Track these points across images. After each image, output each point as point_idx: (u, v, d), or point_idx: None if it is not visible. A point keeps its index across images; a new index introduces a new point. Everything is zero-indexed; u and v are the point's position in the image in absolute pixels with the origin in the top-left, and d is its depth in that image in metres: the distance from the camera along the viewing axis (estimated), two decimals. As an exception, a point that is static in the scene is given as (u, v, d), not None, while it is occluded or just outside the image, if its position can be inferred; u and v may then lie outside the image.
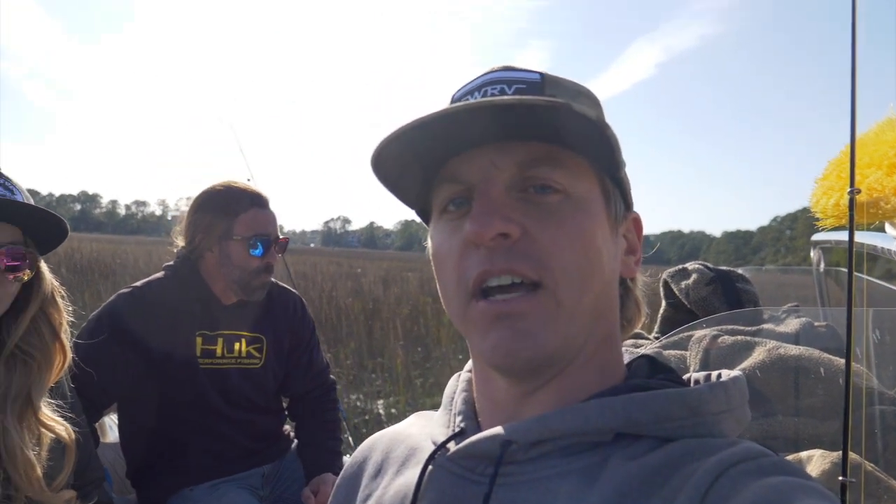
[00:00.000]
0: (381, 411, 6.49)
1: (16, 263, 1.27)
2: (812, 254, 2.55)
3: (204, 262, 2.01)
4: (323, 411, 2.27)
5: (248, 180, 2.17)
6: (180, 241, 2.05)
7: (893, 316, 1.49)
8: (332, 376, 2.38)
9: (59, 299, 1.39)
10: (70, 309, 1.41)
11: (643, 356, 0.72)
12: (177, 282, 2.01)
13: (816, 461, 1.15)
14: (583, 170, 0.64)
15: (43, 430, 1.31)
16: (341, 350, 8.28)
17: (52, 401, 1.37)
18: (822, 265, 2.52)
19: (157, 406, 1.98)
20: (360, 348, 8.69)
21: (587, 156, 0.64)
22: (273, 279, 2.15)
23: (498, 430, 0.63)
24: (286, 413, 2.31)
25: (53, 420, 1.34)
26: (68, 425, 1.36)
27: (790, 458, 1.19)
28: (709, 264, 1.92)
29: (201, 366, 1.99)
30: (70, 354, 1.39)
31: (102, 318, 1.90)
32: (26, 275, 1.30)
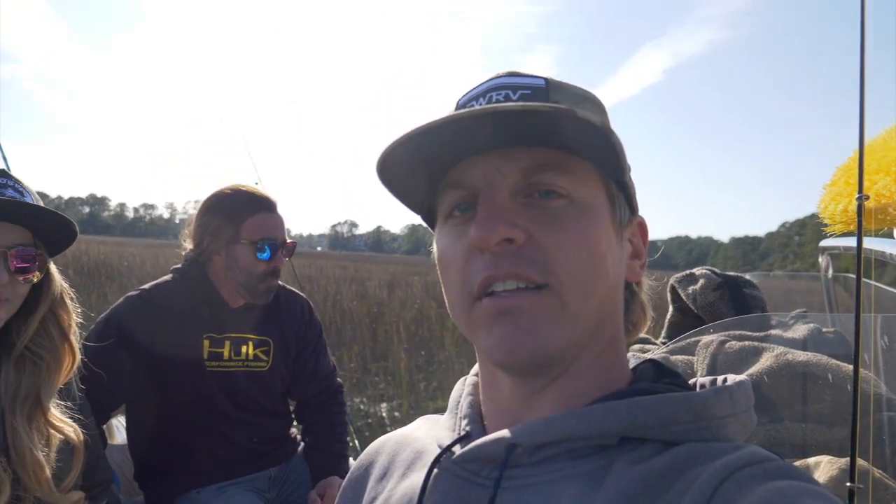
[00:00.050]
0: (384, 414, 6.49)
1: (26, 265, 1.28)
2: (820, 260, 2.54)
3: (212, 266, 2.02)
4: (329, 414, 2.28)
5: (256, 183, 2.17)
6: (188, 244, 2.06)
7: (902, 322, 1.48)
8: (338, 379, 2.38)
9: (68, 301, 1.40)
10: (79, 310, 1.42)
11: (648, 360, 0.72)
12: (185, 285, 2.02)
13: (824, 467, 1.14)
14: (588, 175, 0.64)
15: (52, 431, 1.32)
16: (345, 353, 8.29)
17: (62, 402, 1.38)
18: (831, 271, 2.51)
19: (164, 408, 1.99)
20: (364, 352, 8.70)
21: (592, 161, 0.64)
22: (280, 282, 2.16)
23: (503, 433, 0.63)
24: (293, 416, 2.32)
25: (62, 421, 1.35)
26: (77, 426, 1.37)
27: (797, 463, 1.19)
28: (716, 270, 1.91)
29: (208, 368, 2.00)
30: (79, 356, 1.39)
31: (110, 320, 1.92)
32: (36, 276, 1.31)
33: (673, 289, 1.96)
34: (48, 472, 1.28)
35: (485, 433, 0.67)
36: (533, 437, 0.61)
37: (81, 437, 1.37)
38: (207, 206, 2.02)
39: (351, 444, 2.73)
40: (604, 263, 0.63)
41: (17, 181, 1.32)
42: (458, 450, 0.67)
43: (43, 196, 1.38)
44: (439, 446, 0.70)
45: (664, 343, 1.77)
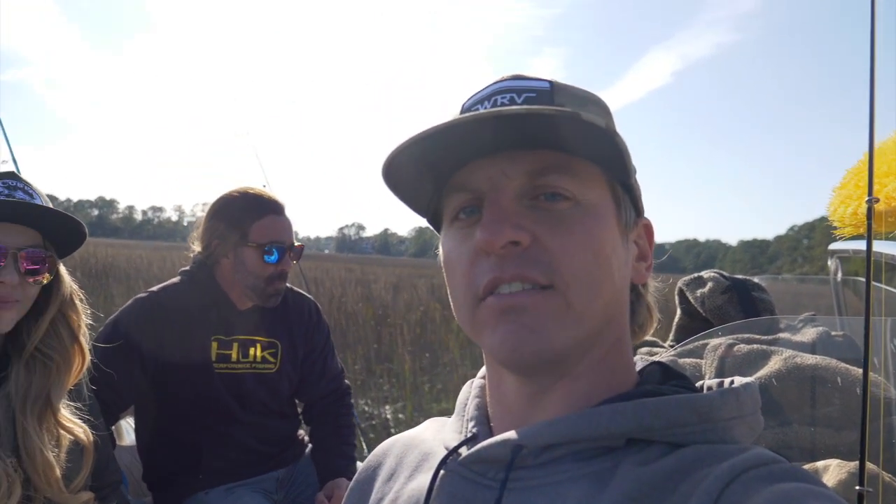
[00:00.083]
0: (388, 416, 6.50)
1: (36, 267, 1.29)
2: (829, 263, 2.53)
3: (220, 268, 2.03)
4: (337, 416, 2.28)
5: (264, 186, 2.18)
6: (197, 247, 2.07)
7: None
8: (346, 381, 2.39)
9: (77, 302, 1.41)
10: (88, 312, 1.43)
11: (655, 363, 0.72)
12: (193, 287, 2.03)
13: (833, 471, 1.14)
14: (593, 177, 0.64)
15: (62, 431, 1.33)
16: (349, 355, 8.30)
17: (72, 403, 1.39)
18: (840, 274, 2.50)
19: (172, 410, 2.00)
20: (369, 354, 8.71)
21: (597, 163, 0.65)
22: (288, 284, 2.16)
23: (509, 434, 0.63)
24: (301, 418, 2.32)
25: (72, 422, 1.35)
26: (87, 427, 1.38)
27: (806, 467, 1.18)
28: (724, 273, 1.91)
29: (216, 370, 2.00)
30: (89, 356, 1.40)
31: (119, 322, 1.93)
32: (46, 278, 1.32)
33: (681, 292, 1.95)
34: (58, 472, 1.28)
35: (491, 435, 0.67)
36: (539, 439, 0.61)
37: (91, 437, 1.38)
38: (215, 209, 2.03)
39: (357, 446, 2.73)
40: (609, 265, 0.63)
41: (26, 183, 1.33)
42: (464, 451, 0.67)
43: (52, 199, 1.39)
44: (446, 448, 0.70)
45: (672, 346, 1.77)
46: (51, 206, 1.32)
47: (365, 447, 3.03)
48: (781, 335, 1.55)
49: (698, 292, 1.87)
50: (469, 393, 0.77)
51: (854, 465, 1.10)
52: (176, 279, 2.08)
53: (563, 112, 0.56)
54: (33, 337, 1.31)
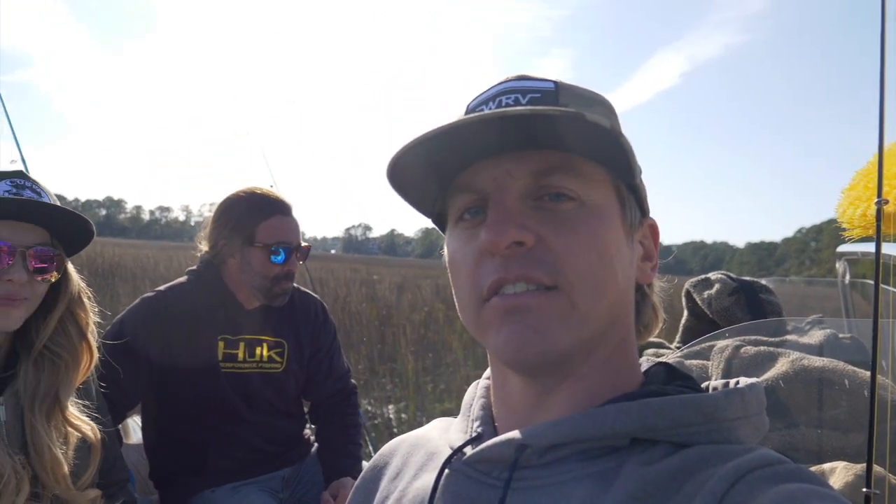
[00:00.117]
0: (391, 416, 6.51)
1: (44, 265, 1.29)
2: (837, 265, 2.52)
3: (227, 268, 2.03)
4: (343, 416, 2.28)
5: (271, 186, 2.18)
6: (204, 246, 2.08)
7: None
8: (352, 381, 2.39)
9: (85, 300, 1.41)
10: (96, 310, 1.44)
11: (660, 363, 0.72)
12: (200, 286, 2.04)
13: (840, 473, 1.13)
14: (598, 177, 0.64)
15: (70, 429, 1.33)
16: (353, 355, 8.31)
17: (79, 401, 1.39)
18: (848, 277, 2.48)
19: (179, 409, 2.00)
20: (372, 353, 8.72)
21: (602, 164, 0.65)
22: (295, 284, 2.16)
23: (513, 434, 0.63)
24: (307, 417, 2.33)
25: (80, 420, 1.36)
26: (94, 425, 1.38)
27: (813, 469, 1.18)
28: (732, 274, 1.90)
29: (223, 370, 2.01)
30: (97, 354, 1.41)
31: (126, 321, 1.93)
32: (54, 276, 1.32)
33: (688, 293, 1.95)
34: (66, 469, 1.29)
35: (496, 435, 0.67)
36: (543, 438, 0.61)
37: (99, 435, 1.38)
38: (222, 209, 2.04)
39: (363, 446, 2.73)
40: (613, 266, 0.63)
41: (34, 182, 1.33)
42: (469, 451, 0.67)
43: (60, 198, 1.40)
44: (451, 448, 0.71)
45: (679, 348, 1.76)
46: (59, 204, 1.33)
47: (371, 447, 3.04)
48: (789, 337, 1.54)
49: (705, 294, 1.86)
50: (475, 393, 0.77)
51: (861, 467, 1.10)
52: (183, 279, 2.09)
53: (567, 112, 0.56)
54: (42, 335, 1.32)
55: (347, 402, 2.32)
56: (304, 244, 2.07)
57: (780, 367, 1.35)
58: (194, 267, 2.10)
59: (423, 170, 0.65)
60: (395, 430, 6.01)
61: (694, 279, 1.95)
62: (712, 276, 1.91)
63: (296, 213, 2.08)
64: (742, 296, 1.80)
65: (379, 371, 7.99)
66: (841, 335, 1.53)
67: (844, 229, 1.61)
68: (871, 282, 1.07)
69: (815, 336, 1.53)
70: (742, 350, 1.45)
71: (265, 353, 2.09)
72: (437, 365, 8.68)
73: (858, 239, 1.59)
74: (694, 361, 1.50)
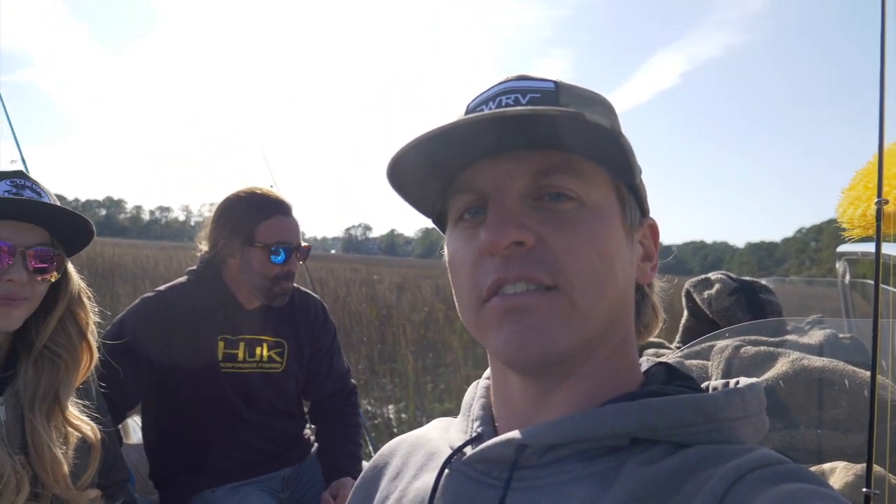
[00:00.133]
0: (391, 416, 6.51)
1: (44, 265, 1.29)
2: (837, 265, 2.51)
3: (227, 268, 2.03)
4: (343, 416, 2.28)
5: (271, 186, 2.18)
6: (204, 246, 2.08)
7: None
8: (353, 381, 2.39)
9: (85, 300, 1.41)
10: (96, 310, 1.44)
11: (660, 363, 0.72)
12: (200, 286, 2.04)
13: (839, 473, 1.13)
14: (598, 177, 0.64)
15: (70, 429, 1.33)
16: (353, 355, 8.31)
17: (79, 401, 1.39)
18: (848, 277, 2.48)
19: (178, 409, 2.00)
20: (372, 353, 8.72)
21: (602, 164, 0.65)
22: (295, 284, 2.16)
23: (513, 434, 0.63)
24: (307, 417, 2.33)
25: (80, 420, 1.36)
26: (94, 425, 1.38)
27: (813, 469, 1.18)
28: (732, 274, 1.90)
29: (223, 370, 2.01)
30: (97, 354, 1.41)
31: (126, 321, 1.93)
32: (54, 276, 1.32)
33: (688, 293, 1.94)
34: (66, 469, 1.29)
35: (496, 435, 0.67)
36: (543, 438, 0.61)
37: (99, 435, 1.38)
38: (223, 209, 2.04)
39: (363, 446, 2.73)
40: (613, 265, 0.63)
41: (34, 182, 1.33)
42: (469, 451, 0.67)
43: (60, 198, 1.40)
44: (451, 447, 0.71)
45: (679, 348, 1.76)
46: (59, 204, 1.33)
47: (371, 447, 3.04)
48: (789, 337, 1.54)
49: (705, 294, 1.86)
50: (475, 393, 0.77)
51: (861, 467, 1.10)
52: (183, 279, 2.09)
53: (567, 113, 0.56)
54: (42, 335, 1.32)
55: (347, 402, 2.32)
56: (304, 244, 2.07)
57: (780, 367, 1.35)
58: (194, 267, 2.10)
59: (423, 170, 0.64)
60: (395, 430, 6.01)
61: (694, 279, 1.95)
62: (712, 276, 1.91)
63: (296, 213, 2.08)
64: (742, 296, 1.80)
65: (379, 371, 7.99)
66: (841, 335, 1.53)
67: (844, 229, 1.61)
68: (871, 282, 1.07)
69: (815, 336, 1.53)
70: (742, 350, 1.44)
71: (265, 353, 2.09)
72: (437, 365, 8.69)
73: (858, 239, 1.59)
74: (694, 361, 1.50)
